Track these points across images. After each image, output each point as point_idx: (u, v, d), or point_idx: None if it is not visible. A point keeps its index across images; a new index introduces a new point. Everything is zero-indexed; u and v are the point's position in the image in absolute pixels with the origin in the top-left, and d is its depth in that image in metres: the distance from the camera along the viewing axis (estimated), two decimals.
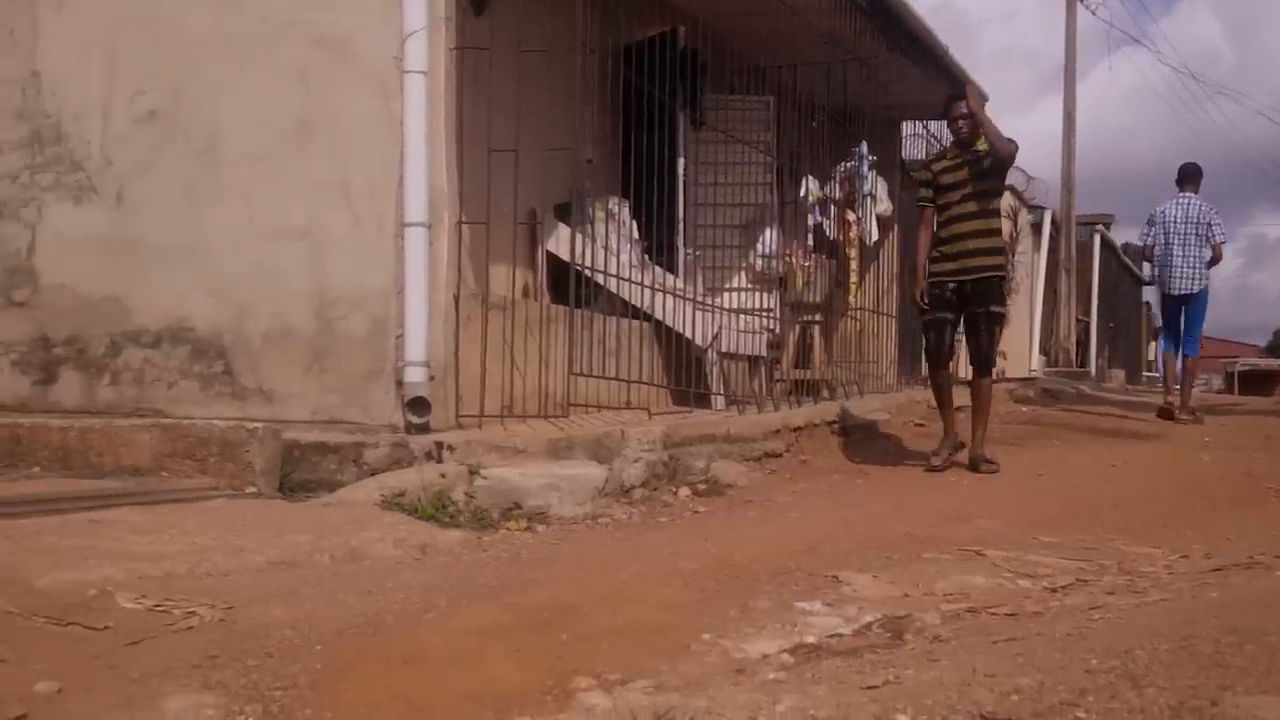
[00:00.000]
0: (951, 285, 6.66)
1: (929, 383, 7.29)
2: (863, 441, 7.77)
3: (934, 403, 9.23)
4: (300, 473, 5.37)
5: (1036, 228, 21.36)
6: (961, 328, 6.82)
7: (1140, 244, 10.78)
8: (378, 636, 2.95)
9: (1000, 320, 6.73)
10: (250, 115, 5.97)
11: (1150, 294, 37.10)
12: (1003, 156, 6.63)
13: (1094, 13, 22.53)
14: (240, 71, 5.99)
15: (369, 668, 2.67)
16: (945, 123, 7.33)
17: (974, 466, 6.60)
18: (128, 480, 5.11)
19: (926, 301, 6.77)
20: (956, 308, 6.69)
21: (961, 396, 7.10)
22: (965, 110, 6.70)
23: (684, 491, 5.77)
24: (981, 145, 6.63)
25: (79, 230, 6.18)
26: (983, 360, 6.72)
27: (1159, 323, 13.71)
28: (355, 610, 3.24)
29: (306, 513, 4.73)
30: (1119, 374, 23.49)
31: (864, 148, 10.68)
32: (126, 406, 6.04)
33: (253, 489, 5.09)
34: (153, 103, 6.09)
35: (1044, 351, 21.12)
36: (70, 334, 6.18)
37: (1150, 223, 10.32)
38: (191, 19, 6.03)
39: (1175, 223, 10.08)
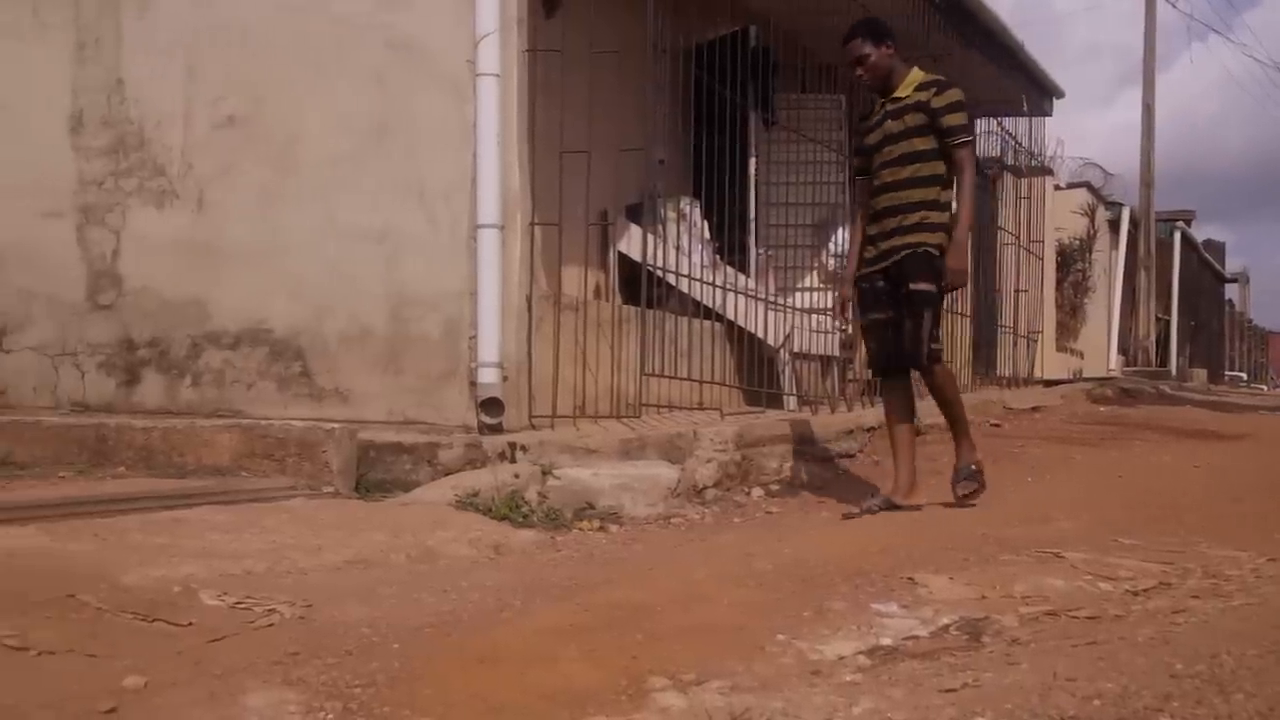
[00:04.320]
0: (880, 279, 5.22)
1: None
2: (936, 441, 7.68)
3: (1010, 403, 8.99)
4: (376, 472, 5.44)
5: (1114, 225, 21.01)
6: None
7: None
8: (454, 635, 2.97)
9: (927, 300, 5.06)
10: (327, 119, 6.05)
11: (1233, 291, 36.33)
12: (928, 103, 5.10)
13: (1174, 5, 22.15)
14: (317, 76, 6.07)
15: (446, 666, 2.69)
16: None
17: (953, 486, 5.30)
18: (209, 479, 5.21)
19: (858, 306, 5.43)
20: (892, 303, 5.20)
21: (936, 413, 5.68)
22: (857, 53, 5.22)
23: (757, 492, 5.76)
24: (903, 91, 5.18)
25: (161, 234, 6.30)
26: (915, 353, 5.11)
27: None
28: (431, 609, 3.27)
29: (382, 512, 4.78)
30: (1200, 373, 23.01)
31: None
32: (207, 407, 6.15)
33: (330, 488, 5.16)
34: (232, 108, 6.20)
35: (1122, 351, 20.76)
36: (153, 336, 6.31)
37: None
38: (270, 25, 6.13)
39: None
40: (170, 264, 6.28)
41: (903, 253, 5.09)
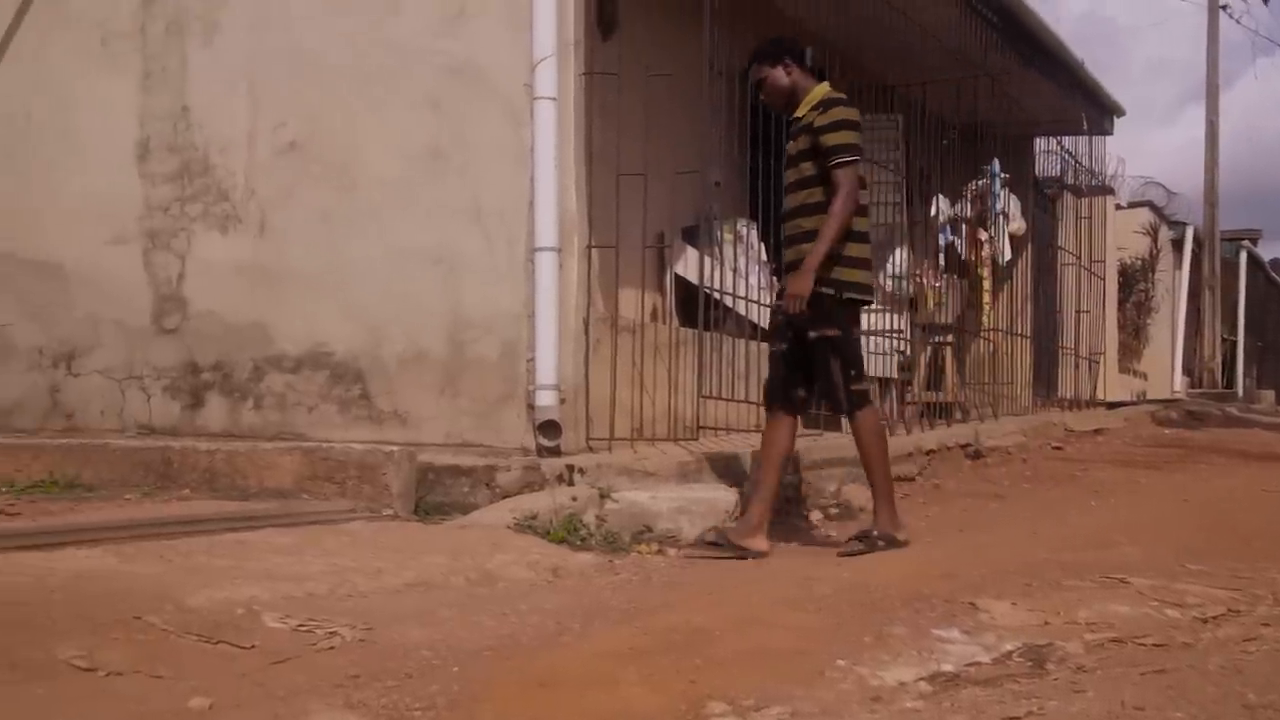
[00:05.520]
0: (780, 313, 4.97)
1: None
2: (997, 465, 7.62)
3: (1071, 425, 8.84)
4: (435, 495, 5.46)
5: (1177, 244, 20.70)
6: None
7: None
8: (513, 658, 2.98)
9: (830, 346, 4.76)
10: (385, 143, 6.12)
11: None
12: (812, 123, 4.79)
13: (1238, 20, 21.85)
14: (376, 101, 6.14)
15: (506, 689, 2.70)
16: None
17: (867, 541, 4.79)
18: (271, 502, 5.26)
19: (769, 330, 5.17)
20: (788, 339, 4.91)
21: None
22: (755, 77, 5.03)
23: (815, 515, 5.73)
24: (801, 110, 4.88)
25: (225, 258, 6.39)
26: (835, 397, 4.84)
27: None
28: (490, 632, 3.28)
29: (441, 535, 4.81)
30: (1268, 395, 22.58)
31: (996, 165, 10.49)
32: (269, 430, 6.22)
33: (389, 511, 5.20)
34: (293, 133, 6.28)
35: (1187, 372, 20.43)
36: (216, 359, 6.39)
37: None
38: (330, 52, 6.21)
39: None
40: (233, 288, 6.37)
41: (812, 293, 4.74)
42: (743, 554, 4.70)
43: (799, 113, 4.89)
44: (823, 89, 4.94)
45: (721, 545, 4.75)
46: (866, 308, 5.29)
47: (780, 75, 4.95)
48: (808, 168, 4.82)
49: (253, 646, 3.01)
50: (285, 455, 5.50)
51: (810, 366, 4.85)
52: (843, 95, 4.95)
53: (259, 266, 6.32)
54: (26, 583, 3.39)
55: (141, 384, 6.52)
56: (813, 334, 4.78)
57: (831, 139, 4.74)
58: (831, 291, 4.74)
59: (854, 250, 4.82)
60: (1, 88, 6.73)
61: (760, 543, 4.80)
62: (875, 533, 4.78)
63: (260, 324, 6.31)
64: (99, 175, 6.59)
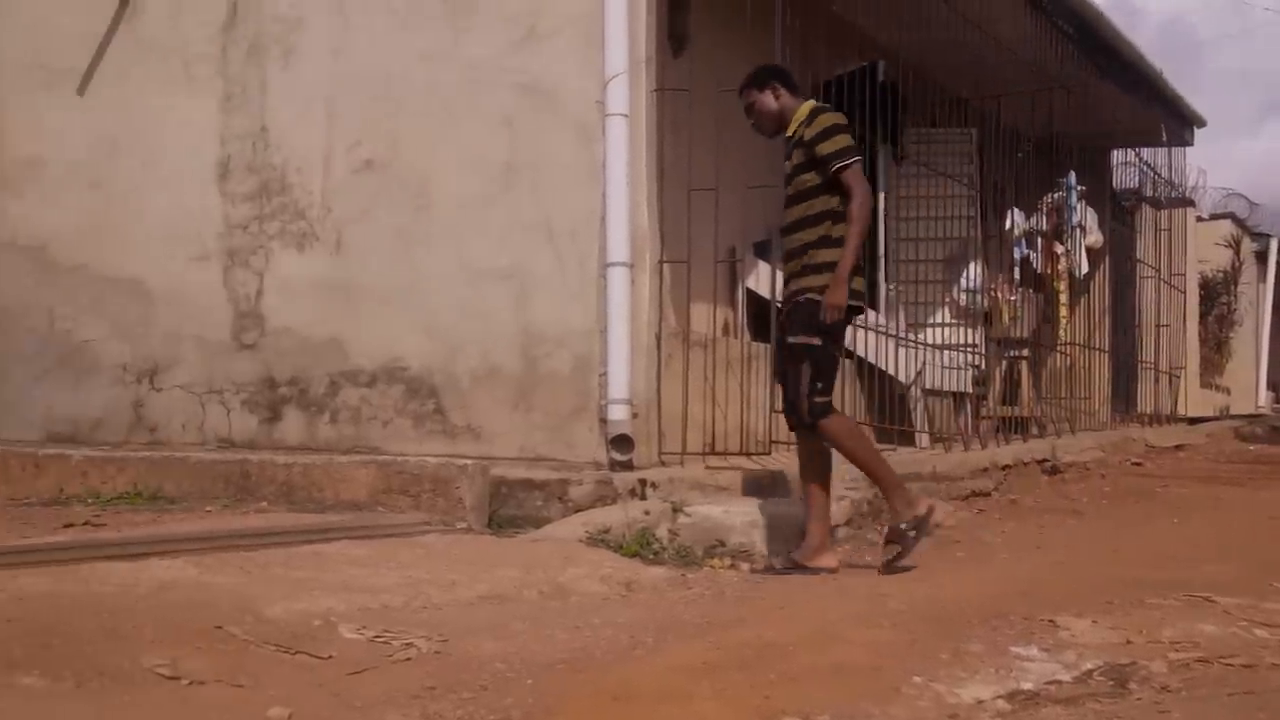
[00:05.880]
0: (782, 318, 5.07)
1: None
2: (1075, 480, 7.50)
3: (1151, 441, 8.69)
4: (508, 508, 5.49)
5: (1261, 256, 20.24)
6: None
7: None
8: (586, 672, 2.99)
9: (805, 352, 4.74)
10: (459, 161, 6.19)
11: None
12: (803, 137, 4.80)
13: None
14: (450, 120, 6.21)
15: (579, 703, 2.70)
16: None
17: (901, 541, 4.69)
18: (346, 514, 5.32)
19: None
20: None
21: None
22: (745, 103, 5.08)
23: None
24: (791, 127, 4.92)
25: (302, 275, 6.49)
26: (797, 406, 4.77)
27: None
28: (564, 645, 3.29)
29: (514, 548, 4.83)
30: None
31: (1072, 178, 10.35)
32: (345, 443, 6.30)
33: (463, 524, 5.23)
34: (369, 152, 6.37)
35: (1272, 387, 19.97)
36: (293, 374, 6.49)
37: None
38: (405, 72, 6.29)
39: None
40: (310, 304, 6.47)
41: (791, 301, 4.84)
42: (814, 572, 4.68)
43: (789, 131, 4.93)
44: (806, 105, 4.94)
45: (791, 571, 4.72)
46: (859, 316, 5.25)
47: (769, 100, 4.97)
48: (806, 180, 4.81)
49: (330, 657, 3.05)
50: (360, 468, 5.56)
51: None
52: (827, 104, 4.97)
53: (335, 283, 6.41)
54: (113, 592, 3.47)
55: (221, 398, 6.64)
56: (791, 339, 4.80)
57: (827, 147, 4.74)
58: (818, 299, 4.72)
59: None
60: (89, 114, 6.89)
61: (830, 559, 4.77)
62: (902, 526, 4.65)
63: (336, 339, 6.40)
64: (181, 195, 6.73)
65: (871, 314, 8.05)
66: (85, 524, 5.00)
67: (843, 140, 4.77)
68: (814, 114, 4.85)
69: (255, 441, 6.50)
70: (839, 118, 4.83)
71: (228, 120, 6.67)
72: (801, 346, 4.75)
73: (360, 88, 6.40)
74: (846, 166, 4.72)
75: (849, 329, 5.21)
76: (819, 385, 4.73)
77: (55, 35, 6.91)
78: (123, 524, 4.99)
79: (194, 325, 6.69)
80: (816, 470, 4.85)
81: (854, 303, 4.81)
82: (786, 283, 4.94)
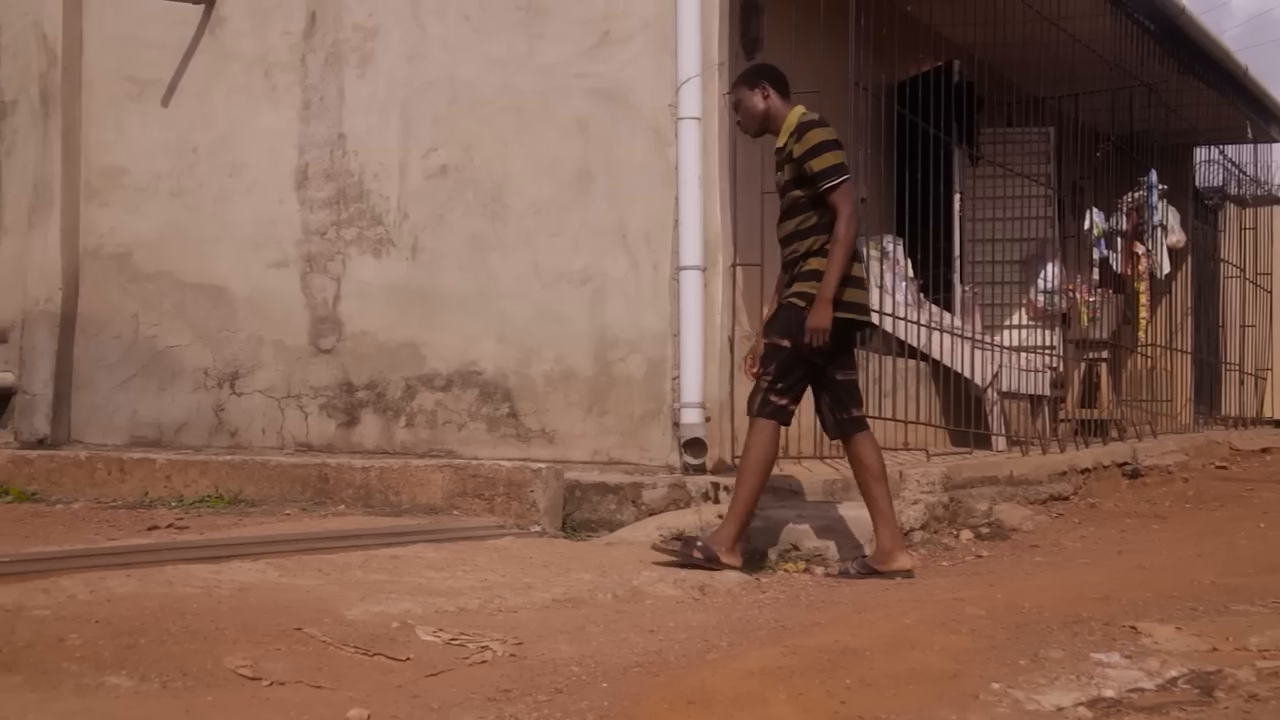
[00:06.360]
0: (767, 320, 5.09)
1: None
2: (1157, 484, 7.37)
3: (1236, 444, 8.53)
4: (581, 512, 5.52)
5: None
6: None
7: None
8: (661, 675, 2.99)
9: (775, 354, 4.72)
10: (533, 166, 6.23)
11: None
12: (792, 152, 4.75)
13: None
14: (524, 125, 6.25)
15: (655, 706, 2.70)
16: None
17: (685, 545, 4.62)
18: (422, 517, 5.38)
19: None
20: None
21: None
22: (733, 98, 5.01)
23: (965, 535, 5.62)
24: (781, 138, 4.84)
25: (378, 280, 6.57)
26: (751, 397, 4.82)
27: None
28: (639, 648, 3.30)
29: (589, 552, 4.85)
30: None
31: (1153, 176, 10.16)
32: (420, 447, 6.36)
33: (537, 528, 5.27)
34: (444, 158, 6.44)
35: None
36: (370, 379, 6.57)
37: None
38: (479, 79, 6.35)
39: None
40: (386, 309, 6.54)
41: (779, 304, 4.81)
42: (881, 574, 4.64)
43: (780, 141, 4.85)
44: (797, 113, 4.84)
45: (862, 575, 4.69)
46: (864, 330, 5.14)
47: (757, 99, 4.88)
48: (797, 195, 4.76)
49: (407, 659, 3.08)
50: (436, 472, 5.62)
51: (820, 376, 4.79)
52: (816, 116, 4.84)
53: (410, 288, 6.48)
54: (196, 594, 3.54)
55: (299, 403, 6.74)
56: (766, 340, 4.81)
57: (816, 164, 4.67)
58: (802, 304, 4.66)
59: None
60: (172, 124, 7.03)
61: (905, 560, 4.70)
62: (698, 549, 4.55)
63: (412, 344, 6.46)
64: (261, 202, 6.84)
65: (947, 316, 7.99)
66: (169, 526, 5.10)
67: (831, 158, 4.68)
68: (803, 128, 4.76)
69: (333, 445, 6.59)
70: (827, 133, 4.73)
71: (306, 128, 6.77)
72: (772, 346, 4.74)
73: (435, 94, 6.46)
74: (835, 187, 4.64)
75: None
76: (778, 386, 4.70)
77: (142, 48, 7.05)
78: (205, 526, 5.08)
79: (273, 330, 6.79)
80: (870, 472, 4.78)
81: (854, 316, 4.72)
82: (780, 291, 4.90)
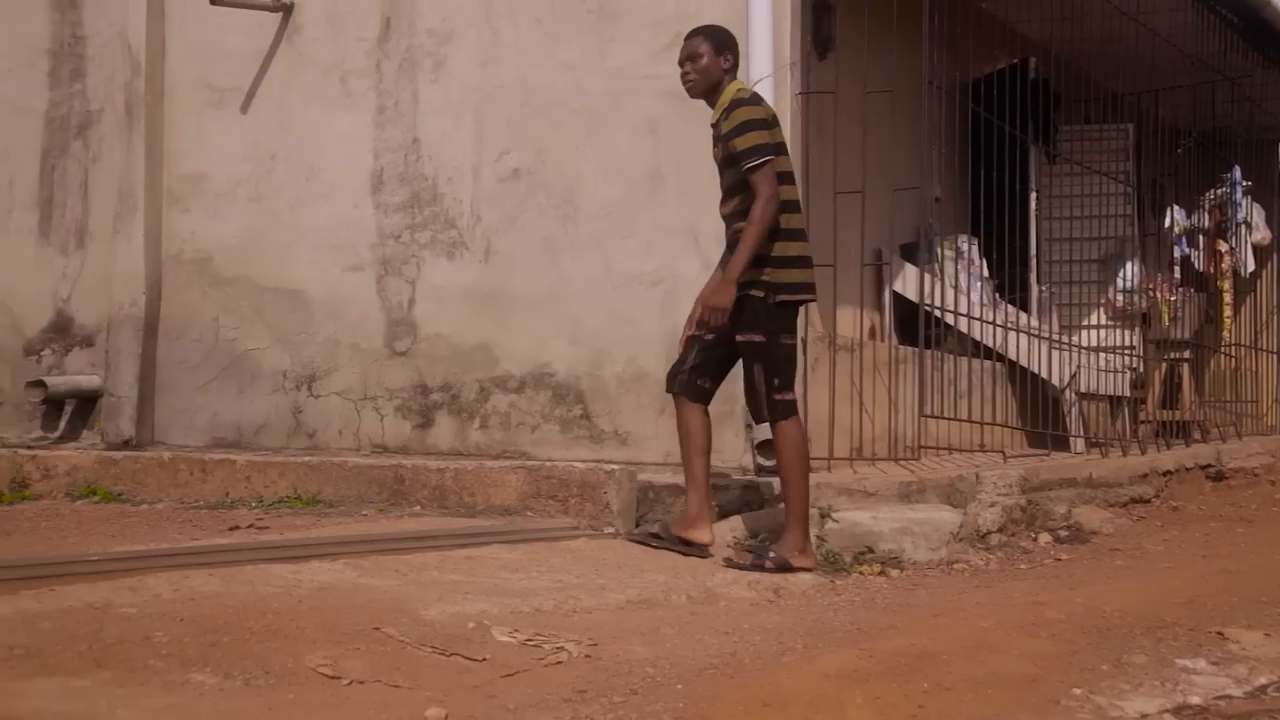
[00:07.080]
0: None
1: None
2: (1242, 487, 7.20)
3: None
4: (654, 514, 5.51)
5: None
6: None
7: None
8: (736, 678, 2.98)
9: (756, 351, 4.64)
10: (604, 168, 6.25)
11: None
12: (721, 130, 4.66)
13: None
14: (595, 127, 6.28)
15: (730, 708, 2.70)
16: None
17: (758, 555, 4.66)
18: (496, 518, 5.42)
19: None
20: (720, 328, 4.67)
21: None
22: (691, 50, 4.76)
23: (1044, 538, 5.54)
24: (715, 115, 4.74)
25: (452, 283, 6.63)
26: (756, 404, 4.72)
27: None
28: (713, 650, 3.29)
29: (662, 553, 4.85)
30: None
31: (1237, 173, 9.94)
32: (494, 449, 6.41)
33: (610, 529, 5.28)
34: (516, 161, 6.48)
35: None
36: (444, 381, 6.63)
37: None
38: (552, 81, 6.38)
39: None
40: (460, 312, 6.60)
41: (738, 294, 4.60)
42: (685, 548, 4.68)
43: (714, 117, 4.75)
44: (732, 89, 4.73)
45: (663, 539, 4.76)
46: (804, 306, 5.00)
47: (717, 65, 4.73)
48: (733, 173, 4.68)
49: (484, 659, 3.10)
50: (510, 473, 5.65)
51: (728, 362, 4.78)
52: (748, 93, 4.77)
53: (484, 291, 6.53)
54: (276, 593, 3.59)
55: (375, 404, 6.81)
56: (739, 338, 4.68)
57: (739, 144, 4.58)
58: (760, 294, 4.61)
59: (785, 249, 4.64)
60: (250, 130, 7.14)
61: (703, 534, 4.72)
62: (771, 553, 4.55)
63: (486, 346, 6.51)
64: (336, 207, 6.93)
65: (1023, 316, 7.88)
66: (250, 526, 5.19)
67: (755, 137, 4.57)
68: (732, 106, 4.66)
69: (408, 446, 6.65)
70: (754, 111, 4.63)
71: (381, 133, 6.85)
72: (750, 346, 4.66)
73: (507, 98, 6.51)
74: (756, 167, 4.55)
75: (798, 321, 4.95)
76: (776, 382, 4.62)
77: (221, 56, 7.17)
78: (284, 527, 5.16)
79: (349, 333, 6.88)
80: (699, 443, 4.78)
81: (798, 296, 4.69)
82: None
